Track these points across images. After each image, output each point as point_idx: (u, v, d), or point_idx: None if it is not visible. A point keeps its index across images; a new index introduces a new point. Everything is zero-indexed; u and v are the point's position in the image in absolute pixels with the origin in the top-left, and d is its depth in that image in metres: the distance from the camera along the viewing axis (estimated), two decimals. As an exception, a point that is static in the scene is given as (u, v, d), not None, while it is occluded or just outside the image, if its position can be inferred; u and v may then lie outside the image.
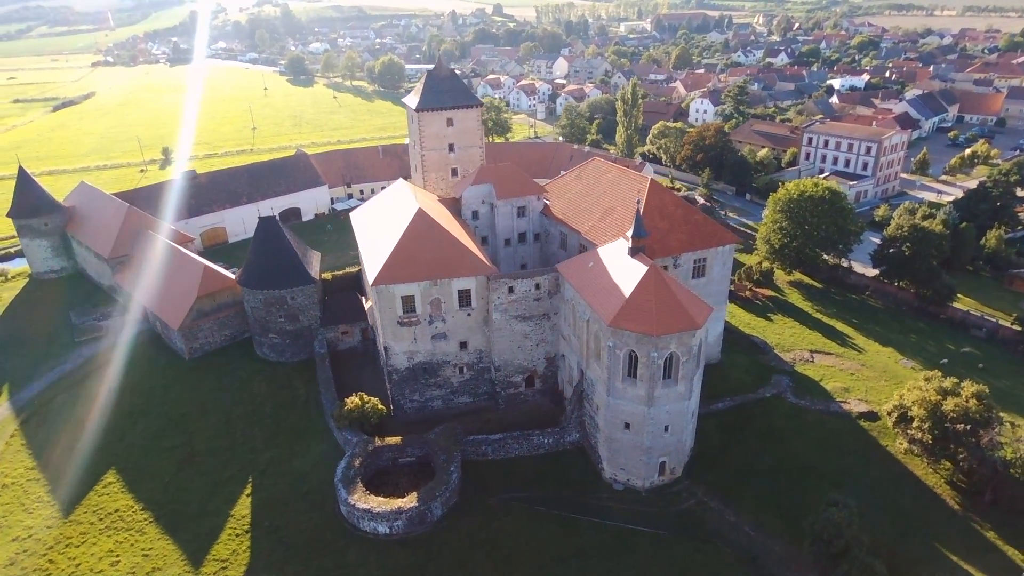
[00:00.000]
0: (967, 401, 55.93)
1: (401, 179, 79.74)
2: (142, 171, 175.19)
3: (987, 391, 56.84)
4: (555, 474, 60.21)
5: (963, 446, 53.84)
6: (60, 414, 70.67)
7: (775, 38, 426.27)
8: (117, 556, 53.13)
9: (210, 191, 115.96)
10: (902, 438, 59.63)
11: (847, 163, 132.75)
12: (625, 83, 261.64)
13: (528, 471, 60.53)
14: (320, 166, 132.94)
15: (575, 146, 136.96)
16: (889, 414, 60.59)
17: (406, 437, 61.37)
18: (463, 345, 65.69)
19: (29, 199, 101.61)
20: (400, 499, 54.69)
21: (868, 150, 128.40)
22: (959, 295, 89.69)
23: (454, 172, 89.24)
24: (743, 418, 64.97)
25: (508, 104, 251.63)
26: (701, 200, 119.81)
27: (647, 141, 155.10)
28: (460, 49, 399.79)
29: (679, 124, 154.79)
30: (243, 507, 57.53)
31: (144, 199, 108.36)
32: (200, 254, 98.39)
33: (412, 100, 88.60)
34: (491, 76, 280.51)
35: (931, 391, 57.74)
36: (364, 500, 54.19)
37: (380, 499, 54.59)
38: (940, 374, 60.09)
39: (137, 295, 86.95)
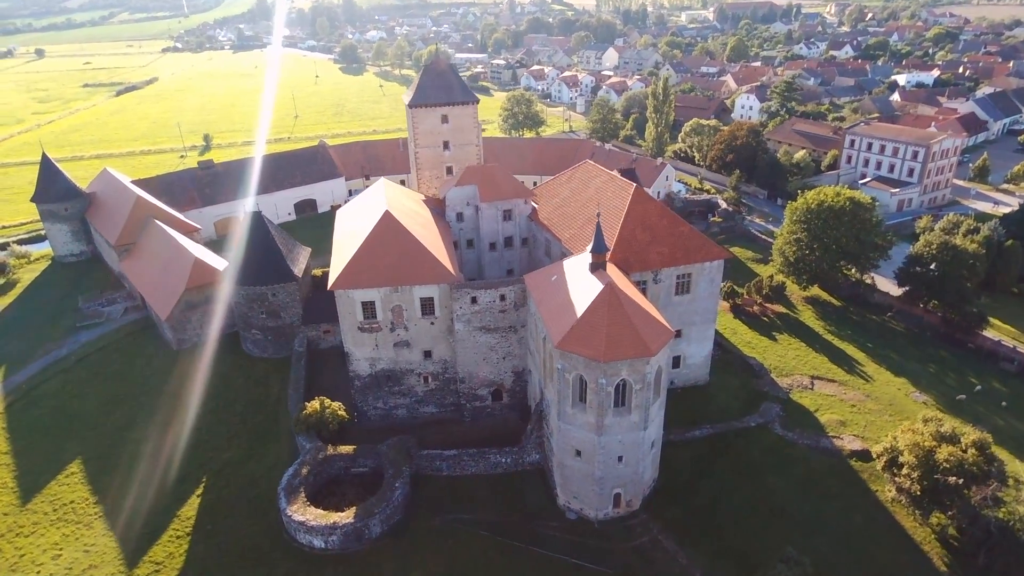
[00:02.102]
0: (965, 450, 49.84)
1: (383, 178, 77.77)
2: (182, 156, 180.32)
3: (990, 440, 50.55)
4: (510, 496, 57.32)
5: (953, 502, 47.84)
6: (44, 399, 72.37)
7: (845, 29, 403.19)
8: (60, 549, 53.58)
9: (226, 180, 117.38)
10: (890, 485, 53.76)
11: (891, 168, 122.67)
12: (672, 76, 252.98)
13: (483, 491, 57.85)
14: (339, 158, 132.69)
15: (597, 143, 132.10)
16: (879, 456, 54.78)
17: (359, 447, 59.61)
18: (427, 354, 63.38)
19: (51, 185, 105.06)
20: (338, 513, 53.02)
21: (915, 155, 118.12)
22: (996, 321, 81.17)
23: (449, 170, 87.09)
24: (720, 448, 60.28)
25: (549, 96, 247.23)
26: (723, 204, 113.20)
27: (679, 139, 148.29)
28: (512, 38, 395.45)
29: (713, 121, 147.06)
30: (190, 508, 57.15)
31: (162, 186, 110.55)
32: (210, 243, 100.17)
33: (408, 95, 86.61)
34: (535, 67, 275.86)
35: (926, 435, 51.85)
36: (302, 512, 52.77)
37: (318, 512, 53.05)
38: (939, 416, 53.85)
39: (137, 284, 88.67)
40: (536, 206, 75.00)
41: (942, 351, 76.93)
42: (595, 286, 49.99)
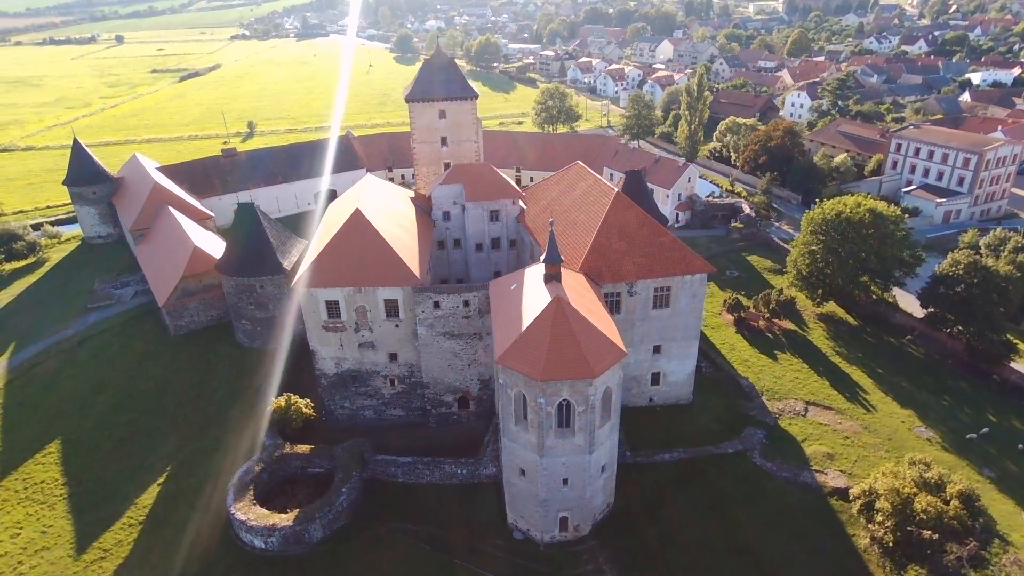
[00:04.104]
0: (948, 501, 44.70)
1: (369, 174, 76.74)
2: (225, 143, 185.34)
3: (977, 493, 45.04)
4: (462, 509, 55.47)
5: (925, 558, 42.97)
6: (41, 378, 75.10)
7: (925, 22, 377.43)
8: (21, 528, 55.15)
9: (247, 169, 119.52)
10: (865, 531, 48.96)
11: (940, 176, 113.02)
12: (727, 70, 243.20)
13: (436, 501, 56.26)
14: (364, 149, 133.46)
15: (623, 140, 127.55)
16: (855, 498, 50.00)
17: (315, 448, 59.01)
18: (393, 357, 62.05)
19: (81, 169, 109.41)
20: (281, 515, 52.53)
21: (966, 162, 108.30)
22: (1032, 351, 73.36)
23: (447, 167, 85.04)
24: (690, 475, 56.52)
25: (594, 90, 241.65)
26: (746, 209, 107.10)
27: (714, 137, 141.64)
28: (568, 29, 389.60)
29: (751, 120, 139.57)
30: (149, 496, 57.86)
31: (185, 173, 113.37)
32: (227, 231, 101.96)
33: (407, 89, 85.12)
34: (583, 59, 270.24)
35: (908, 480, 46.89)
36: (245, 510, 52.52)
37: (261, 511, 52.69)
38: (928, 459, 48.60)
39: (145, 268, 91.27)
40: (525, 207, 72.45)
41: (962, 382, 69.90)
42: (544, 299, 47.29)
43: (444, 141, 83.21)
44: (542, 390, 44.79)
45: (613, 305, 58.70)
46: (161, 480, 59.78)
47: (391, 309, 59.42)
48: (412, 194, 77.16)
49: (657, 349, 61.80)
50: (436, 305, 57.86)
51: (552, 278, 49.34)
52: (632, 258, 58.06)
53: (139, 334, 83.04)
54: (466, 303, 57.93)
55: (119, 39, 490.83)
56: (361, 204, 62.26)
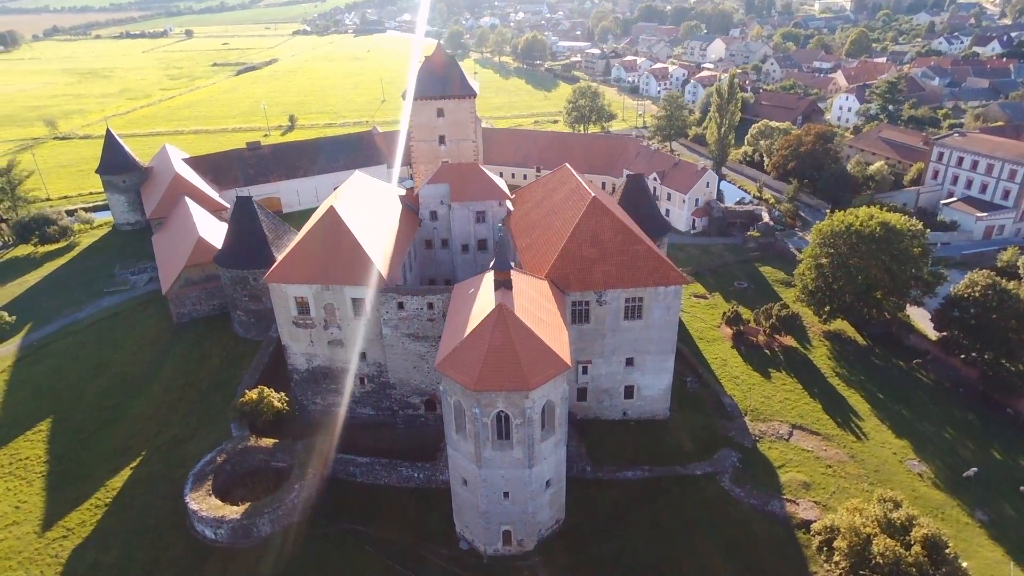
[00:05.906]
0: (909, 546, 41.05)
1: (358, 171, 76.71)
2: (265, 135, 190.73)
3: (945, 540, 41.16)
4: (415, 513, 54.83)
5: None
6: (48, 358, 78.62)
7: (1006, 21, 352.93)
8: (-2, 502, 57.79)
9: (271, 162, 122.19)
10: (824, 570, 45.63)
11: (983, 188, 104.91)
12: (778, 70, 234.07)
13: (391, 504, 55.82)
14: (388, 145, 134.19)
15: (644, 142, 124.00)
16: (815, 534, 46.67)
17: (278, 443, 59.41)
18: (362, 356, 61.85)
19: (113, 158, 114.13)
20: (232, 507, 53.08)
21: (1012, 174, 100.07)
22: (1059, 384, 66.92)
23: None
24: (652, 495, 54.16)
25: (637, 89, 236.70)
26: (765, 218, 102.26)
27: (745, 141, 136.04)
28: (621, 27, 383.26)
29: (785, 124, 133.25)
30: (119, 479, 59.56)
31: (209, 165, 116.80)
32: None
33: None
34: (628, 58, 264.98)
35: (870, 519, 43.33)
36: (199, 501, 53.31)
37: (213, 502, 53.35)
38: (895, 498, 44.81)
39: (157, 256, 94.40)
40: (512, 209, 71.04)
41: (970, 414, 64.48)
42: (488, 306, 45.96)
43: (442, 140, 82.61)
44: (476, 400, 43.56)
45: (582, 314, 56.80)
46: (134, 464, 61.48)
47: (359, 308, 59.19)
48: (403, 192, 76.84)
49: (630, 362, 59.43)
50: (400, 306, 57.31)
51: (501, 284, 47.92)
52: (603, 266, 55.96)
53: (144, 320, 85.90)
54: (430, 305, 57.13)
55: (188, 33, 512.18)
56: (338, 202, 62.23)
